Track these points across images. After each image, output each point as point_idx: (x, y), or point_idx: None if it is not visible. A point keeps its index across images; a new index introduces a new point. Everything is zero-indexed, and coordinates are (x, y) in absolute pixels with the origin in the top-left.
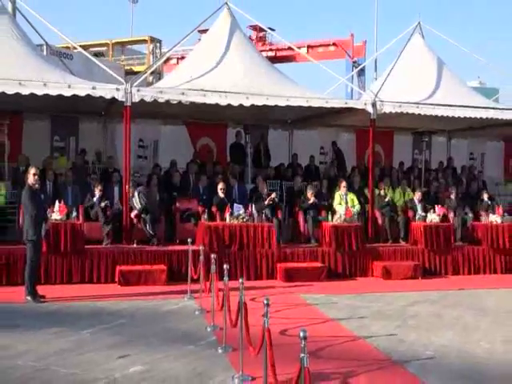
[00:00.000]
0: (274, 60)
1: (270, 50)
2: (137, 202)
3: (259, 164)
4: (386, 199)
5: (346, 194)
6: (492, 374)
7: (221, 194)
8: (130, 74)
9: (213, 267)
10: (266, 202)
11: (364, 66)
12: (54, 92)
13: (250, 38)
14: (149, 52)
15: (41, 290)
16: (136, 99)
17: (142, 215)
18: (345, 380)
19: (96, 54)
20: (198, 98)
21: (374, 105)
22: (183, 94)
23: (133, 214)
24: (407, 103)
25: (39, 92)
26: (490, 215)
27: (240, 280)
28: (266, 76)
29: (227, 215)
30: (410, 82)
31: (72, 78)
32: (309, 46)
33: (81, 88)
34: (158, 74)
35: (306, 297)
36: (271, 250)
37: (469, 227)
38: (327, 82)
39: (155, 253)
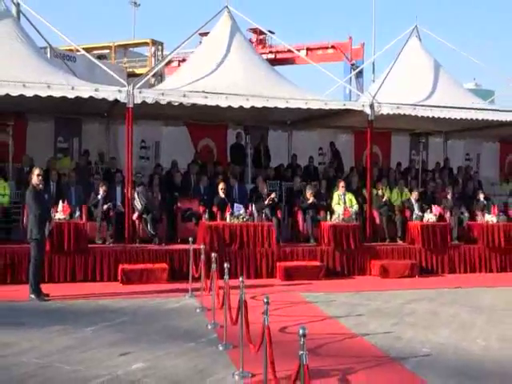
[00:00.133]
0: (273, 62)
1: (270, 52)
2: (137, 203)
3: (259, 164)
4: (384, 199)
5: (345, 194)
6: (488, 371)
7: (221, 194)
8: (132, 76)
9: (213, 266)
10: (266, 202)
11: (362, 69)
12: (57, 94)
13: (250, 40)
14: (151, 54)
15: (44, 288)
16: (138, 101)
17: (143, 215)
18: (343, 377)
19: (99, 57)
20: (199, 100)
21: (371, 106)
22: (184, 95)
23: (134, 216)
24: (404, 105)
25: (43, 94)
26: (486, 215)
27: (240, 278)
28: (265, 78)
29: (228, 215)
30: (407, 84)
31: (75, 80)
32: (308, 49)
33: (84, 90)
34: (159, 76)
35: (305, 295)
36: (271, 249)
37: (465, 227)
38: (326, 83)
39: (157, 252)
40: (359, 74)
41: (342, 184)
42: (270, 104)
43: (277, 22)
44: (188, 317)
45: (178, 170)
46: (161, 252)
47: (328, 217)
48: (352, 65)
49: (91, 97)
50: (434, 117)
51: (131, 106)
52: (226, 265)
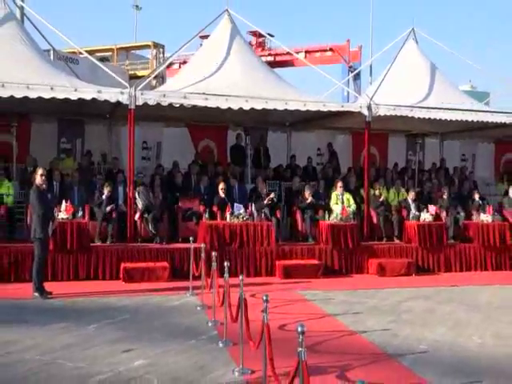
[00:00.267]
0: (273, 65)
1: (269, 54)
2: (139, 203)
3: (259, 165)
4: (381, 199)
5: (343, 194)
6: (483, 368)
7: (221, 194)
8: (134, 78)
9: (214, 264)
10: (266, 202)
11: (360, 71)
12: (60, 95)
13: (249, 43)
14: (152, 57)
15: (48, 286)
16: (140, 102)
17: (145, 215)
18: (341, 373)
19: (101, 59)
20: (200, 102)
21: (369, 108)
22: (185, 97)
23: (136, 217)
24: (401, 106)
25: (46, 95)
26: (481, 214)
27: (240, 277)
28: (265, 80)
29: (228, 214)
30: (404, 86)
31: (78, 82)
32: (306, 52)
33: (87, 92)
34: (161, 78)
35: (304, 293)
36: (270, 247)
37: (461, 226)
38: (324, 85)
39: (158, 251)
40: (357, 76)
41: (339, 184)
42: (270, 106)
43: (276, 25)
44: (189, 314)
45: (179, 171)
46: (162, 251)
47: (326, 216)
48: (350, 67)
49: (94, 98)
50: (430, 118)
51: (133, 107)
52: (226, 263)
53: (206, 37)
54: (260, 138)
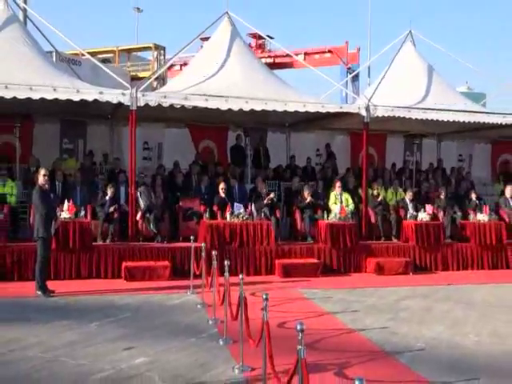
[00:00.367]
0: (272, 66)
1: (269, 56)
2: (141, 203)
3: (258, 165)
4: (379, 199)
5: (341, 194)
6: (479, 365)
7: (222, 194)
8: (135, 79)
9: (214, 263)
10: (265, 202)
11: (358, 72)
12: (63, 97)
13: (249, 45)
14: (153, 59)
15: (50, 285)
16: (141, 103)
17: (146, 214)
18: (340, 370)
19: (103, 61)
20: (200, 103)
21: (367, 109)
22: (186, 98)
23: (138, 216)
24: (399, 107)
25: (49, 97)
26: (478, 214)
27: (240, 275)
28: (264, 82)
29: (228, 214)
30: (401, 87)
31: (80, 84)
32: (306, 53)
33: (89, 93)
34: (162, 80)
35: (303, 291)
36: (270, 247)
37: (458, 225)
38: (323, 87)
39: (159, 250)
40: (355, 78)
41: (338, 184)
42: (269, 107)
43: (276, 27)
44: (189, 313)
45: (180, 171)
46: (163, 250)
47: (325, 216)
48: (348, 69)
49: (96, 99)
50: (427, 119)
51: (134, 108)
52: (226, 262)
53: (207, 39)
54: (260, 138)
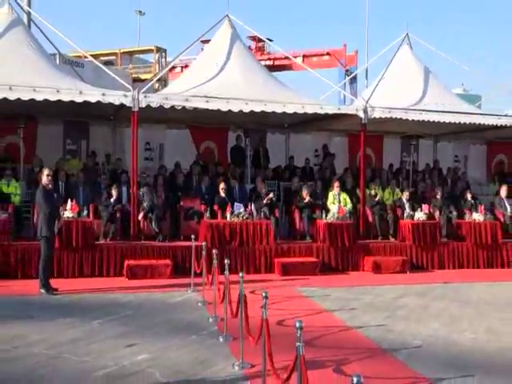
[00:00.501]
0: (271, 68)
1: (269, 59)
2: (143, 203)
3: (258, 165)
4: (377, 198)
5: (339, 194)
6: (475, 362)
7: (222, 194)
8: (137, 81)
9: (214, 262)
10: (265, 201)
11: (356, 74)
12: (66, 98)
13: (249, 47)
14: (155, 61)
15: (54, 283)
16: (143, 105)
17: (148, 214)
18: (338, 367)
19: (105, 63)
20: (201, 104)
21: (365, 110)
22: (187, 100)
23: (140, 216)
24: (396, 109)
25: (52, 98)
26: (474, 214)
27: (240, 274)
28: (264, 83)
29: (228, 213)
30: (398, 89)
31: (83, 85)
32: (304, 56)
33: (91, 94)
34: (163, 82)
35: (302, 289)
36: (269, 245)
37: (453, 225)
38: (322, 89)
39: (161, 248)
40: (353, 80)
41: (336, 184)
42: (269, 108)
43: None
44: (190, 310)
45: (181, 171)
46: (164, 249)
47: (323, 215)
48: (346, 71)
49: (98, 101)
50: (424, 120)
51: (136, 109)
52: (226, 261)
53: (207, 41)
54: (259, 139)
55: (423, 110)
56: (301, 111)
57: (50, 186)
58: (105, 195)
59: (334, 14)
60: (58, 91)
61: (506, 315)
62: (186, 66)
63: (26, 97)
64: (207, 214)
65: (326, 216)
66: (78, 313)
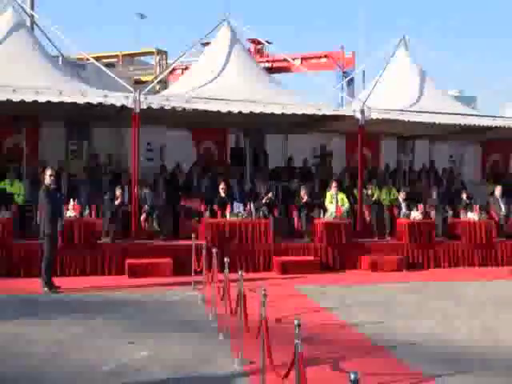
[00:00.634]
0: (270, 71)
1: (267, 61)
2: (145, 203)
3: (257, 166)
4: (374, 198)
5: (337, 194)
6: (470, 359)
7: (222, 194)
8: (138, 83)
9: (214, 260)
10: (264, 201)
11: (353, 76)
12: (68, 100)
13: (248, 50)
14: (156, 63)
15: (56, 281)
16: (144, 106)
17: (150, 214)
18: (335, 364)
19: (107, 65)
20: (201, 106)
21: (362, 112)
22: (187, 101)
23: (142, 217)
24: (393, 110)
25: (55, 100)
26: (469, 213)
27: (239, 272)
28: (263, 85)
29: (228, 213)
30: (395, 90)
31: (85, 87)
32: (303, 58)
33: (93, 96)
34: (164, 84)
35: (300, 287)
36: (268, 244)
37: (449, 224)
38: (320, 90)
39: (161, 247)
40: (350, 82)
41: (334, 184)
42: (268, 110)
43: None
44: (190, 308)
45: (182, 171)
46: (165, 247)
47: (321, 215)
48: (344, 73)
49: (100, 102)
50: (420, 121)
51: (137, 111)
52: (226, 259)
53: (207, 44)
54: (258, 140)
55: (419, 112)
56: (299, 112)
57: (53, 185)
58: (109, 196)
59: (332, 18)
60: (60, 93)
61: (501, 313)
62: (187, 68)
63: (29, 98)
64: (207, 214)
65: (324, 215)
66: (80, 310)
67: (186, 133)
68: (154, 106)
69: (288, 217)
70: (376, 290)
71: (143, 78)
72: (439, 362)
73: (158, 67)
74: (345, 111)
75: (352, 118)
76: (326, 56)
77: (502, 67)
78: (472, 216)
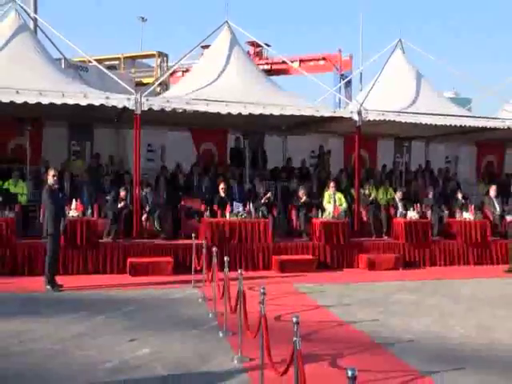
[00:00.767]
0: (269, 73)
1: (266, 63)
2: (147, 203)
3: (256, 166)
4: (371, 198)
5: (335, 194)
6: (465, 356)
7: (222, 194)
8: (139, 85)
9: (214, 259)
10: (263, 201)
11: (350, 78)
12: (71, 101)
13: (248, 52)
14: (156, 65)
15: (59, 279)
16: (145, 108)
17: (150, 213)
18: (333, 361)
19: (109, 67)
20: (201, 107)
21: (359, 113)
22: (188, 103)
23: (144, 217)
24: (389, 112)
25: (58, 101)
26: (464, 213)
27: (239, 271)
28: (262, 87)
29: (227, 212)
30: (391, 92)
31: (87, 89)
32: (301, 60)
33: (95, 98)
34: (165, 86)
35: (298, 286)
36: (267, 243)
37: (445, 223)
38: (317, 92)
39: (162, 246)
40: (348, 84)
41: (332, 184)
42: (267, 111)
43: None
44: (191, 306)
45: (182, 172)
46: (166, 246)
47: (319, 214)
48: (341, 75)
49: (102, 104)
50: (416, 123)
51: (139, 112)
52: (225, 258)
53: (207, 46)
54: (258, 141)
55: (415, 113)
56: (298, 114)
57: (56, 185)
58: (112, 197)
59: (330, 21)
60: (63, 95)
61: (496, 311)
62: (187, 71)
63: (32, 100)
64: (207, 213)
65: (322, 215)
66: (83, 308)
67: (186, 134)
68: (155, 108)
69: (287, 217)
70: (373, 288)
71: (144, 80)
72: (436, 359)
73: (159, 69)
74: (342, 113)
75: (349, 119)
76: (323, 58)
77: (498, 69)
78: (467, 216)
